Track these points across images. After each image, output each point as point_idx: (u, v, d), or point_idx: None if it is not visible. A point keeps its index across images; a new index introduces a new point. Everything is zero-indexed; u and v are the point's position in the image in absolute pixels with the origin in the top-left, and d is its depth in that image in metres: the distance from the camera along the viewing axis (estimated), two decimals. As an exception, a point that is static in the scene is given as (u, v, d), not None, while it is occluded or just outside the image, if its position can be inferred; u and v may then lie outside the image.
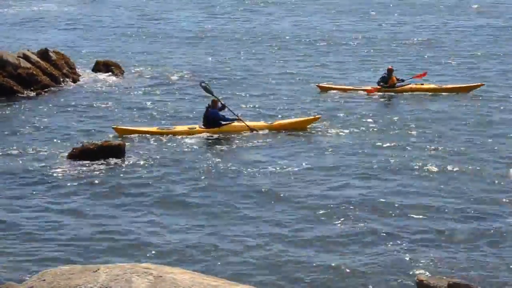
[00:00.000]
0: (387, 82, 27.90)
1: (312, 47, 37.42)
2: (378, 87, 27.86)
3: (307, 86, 29.03)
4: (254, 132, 22.48)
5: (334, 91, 27.88)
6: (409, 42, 38.55)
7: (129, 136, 22.16)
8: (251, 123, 22.92)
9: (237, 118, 22.76)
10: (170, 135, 22.20)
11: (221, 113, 22.81)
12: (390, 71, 28.06)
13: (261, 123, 23.18)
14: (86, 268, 8.96)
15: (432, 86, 28.20)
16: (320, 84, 28.56)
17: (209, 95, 23.16)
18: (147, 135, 22.25)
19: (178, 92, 28.48)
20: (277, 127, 22.86)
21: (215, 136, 22.39)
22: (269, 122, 23.16)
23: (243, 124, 22.67)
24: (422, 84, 28.31)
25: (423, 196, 17.40)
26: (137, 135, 22.28)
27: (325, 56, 35.39)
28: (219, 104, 22.88)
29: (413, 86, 28.17)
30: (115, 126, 22.57)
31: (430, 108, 25.73)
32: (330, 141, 21.94)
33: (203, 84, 23.66)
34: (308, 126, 23.09)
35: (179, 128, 22.70)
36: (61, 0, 55.58)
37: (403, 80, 28.10)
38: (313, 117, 23.45)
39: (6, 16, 49.05)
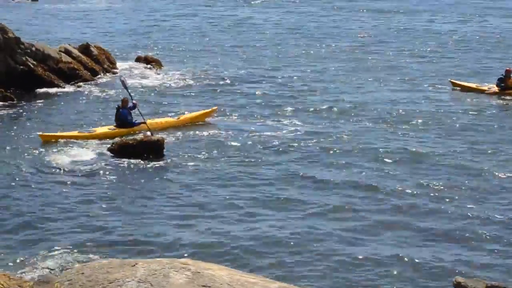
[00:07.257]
0: (505, 84, 27.66)
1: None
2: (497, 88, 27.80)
3: (442, 81, 29.84)
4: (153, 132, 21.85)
5: (464, 88, 28.48)
6: None
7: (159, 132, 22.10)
8: (158, 120, 23.22)
9: (143, 121, 22.44)
10: (91, 139, 21.48)
11: (134, 111, 22.70)
12: (508, 72, 27.86)
13: (169, 119, 23.60)
14: (124, 262, 9.01)
15: None
16: (453, 80, 29.26)
17: (127, 92, 23.03)
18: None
19: (218, 90, 28.54)
20: (183, 122, 23.43)
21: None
22: (176, 118, 23.71)
23: (154, 122, 22.80)
24: None
25: (469, 199, 17.20)
26: (63, 140, 21.33)
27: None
28: (130, 104, 22.69)
29: None
30: (40, 133, 21.74)
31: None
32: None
33: (122, 79, 24.02)
34: (206, 119, 23.83)
35: (99, 130, 22.23)
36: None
37: None
38: (210, 110, 24.28)
39: (51, 11, 49.51)
